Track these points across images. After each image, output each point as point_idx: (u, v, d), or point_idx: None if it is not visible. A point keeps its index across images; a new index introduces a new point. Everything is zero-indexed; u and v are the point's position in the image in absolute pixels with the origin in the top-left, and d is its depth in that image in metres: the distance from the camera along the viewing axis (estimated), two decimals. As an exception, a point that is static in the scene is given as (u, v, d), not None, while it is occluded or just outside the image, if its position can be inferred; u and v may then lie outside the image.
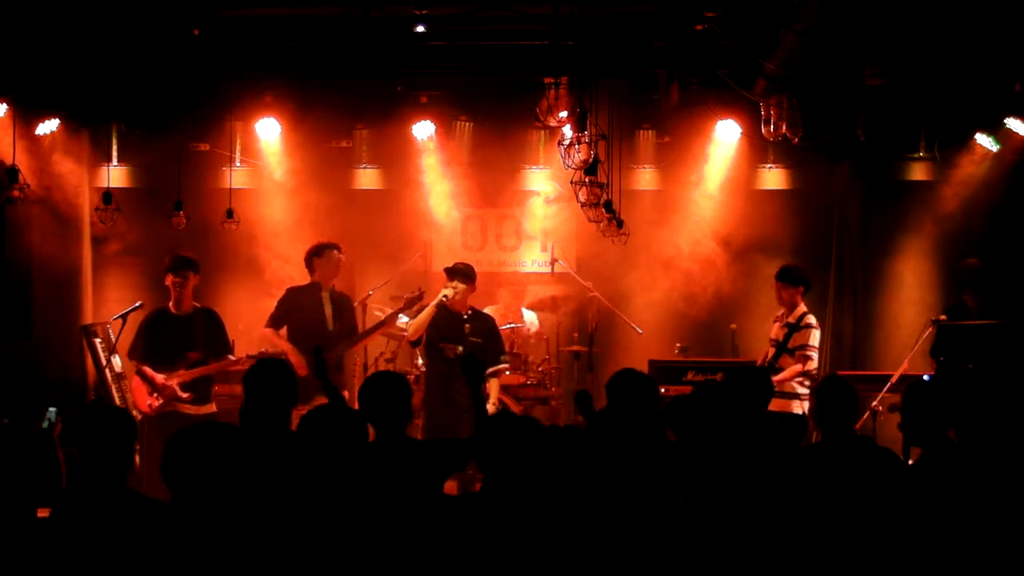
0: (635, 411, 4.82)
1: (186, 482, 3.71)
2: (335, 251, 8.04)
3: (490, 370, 7.53)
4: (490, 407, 7.43)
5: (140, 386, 7.78)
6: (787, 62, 7.31)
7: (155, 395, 7.67)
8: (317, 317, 7.92)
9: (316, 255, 8.00)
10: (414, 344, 7.88)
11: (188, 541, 3.70)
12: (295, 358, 7.63)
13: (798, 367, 7.62)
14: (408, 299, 8.00)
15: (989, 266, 8.19)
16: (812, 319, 7.79)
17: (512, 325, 8.84)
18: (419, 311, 7.89)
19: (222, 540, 3.71)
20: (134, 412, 7.84)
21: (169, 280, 7.80)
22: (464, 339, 7.50)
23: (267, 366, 5.05)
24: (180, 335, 7.72)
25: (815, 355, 7.75)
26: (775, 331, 7.95)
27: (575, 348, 9.15)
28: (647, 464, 4.52)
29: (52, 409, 5.22)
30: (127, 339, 7.98)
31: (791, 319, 7.78)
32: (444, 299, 7.51)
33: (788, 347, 7.72)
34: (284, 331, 7.99)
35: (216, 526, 3.73)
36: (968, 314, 7.91)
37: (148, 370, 7.68)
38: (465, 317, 7.59)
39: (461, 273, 7.62)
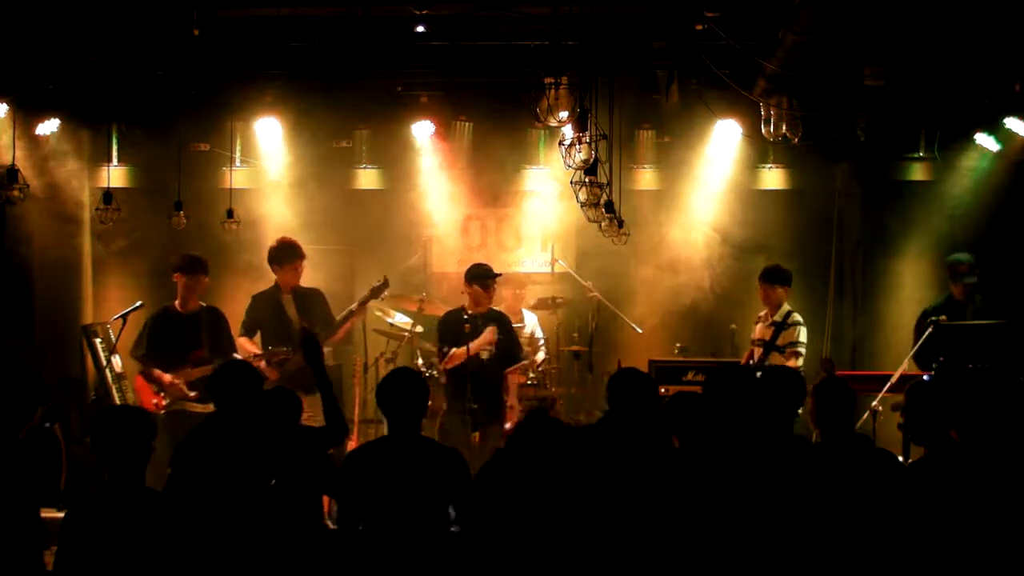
0: (636, 411, 4.82)
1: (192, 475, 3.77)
2: (300, 262, 7.98)
3: (509, 369, 7.78)
4: (512, 401, 7.82)
5: (145, 386, 7.74)
6: (787, 62, 7.30)
7: (161, 395, 7.64)
8: (282, 320, 7.91)
9: (276, 263, 7.95)
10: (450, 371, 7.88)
11: (206, 537, 3.73)
12: (263, 363, 7.63)
13: (790, 364, 7.69)
14: (373, 288, 8.01)
15: (989, 265, 8.19)
16: (798, 316, 7.91)
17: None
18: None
19: (238, 535, 3.74)
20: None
21: (180, 281, 7.75)
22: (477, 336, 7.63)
23: (228, 370, 5.09)
24: (185, 334, 7.69)
25: (804, 351, 7.86)
26: (759, 331, 8.02)
27: (575, 348, 9.14)
28: (649, 464, 4.52)
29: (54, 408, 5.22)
30: (128, 339, 7.97)
31: (777, 317, 7.86)
32: (488, 351, 7.68)
33: (777, 345, 7.80)
34: (258, 337, 8.00)
35: (232, 521, 3.76)
36: (958, 307, 7.90)
37: (157, 372, 7.64)
38: (480, 318, 7.70)
39: (480, 276, 7.80)
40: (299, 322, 7.84)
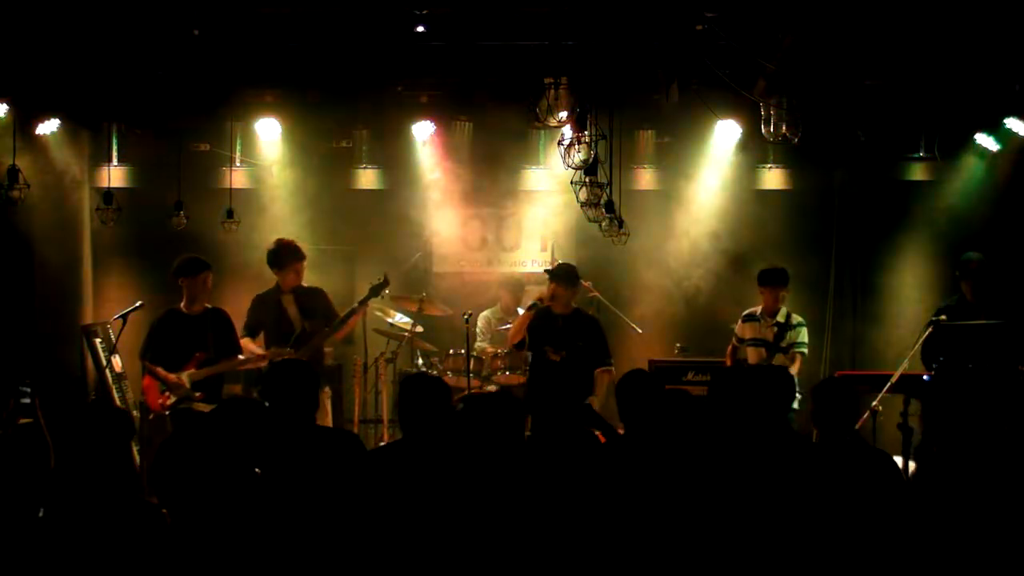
0: (643, 412, 4.83)
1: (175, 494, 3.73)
2: (299, 264, 7.93)
3: (597, 371, 7.61)
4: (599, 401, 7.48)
5: (151, 385, 7.70)
6: (787, 62, 7.31)
7: (167, 394, 7.61)
8: (283, 320, 7.88)
9: (275, 265, 7.92)
10: (518, 347, 7.82)
11: (182, 544, 3.70)
12: (266, 363, 7.58)
13: (797, 365, 7.72)
14: (373, 287, 8.03)
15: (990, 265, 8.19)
16: (800, 317, 8.01)
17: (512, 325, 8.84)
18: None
19: (216, 543, 3.71)
20: (137, 412, 7.84)
21: (184, 284, 7.69)
22: (566, 342, 7.56)
23: (286, 367, 5.07)
24: (191, 335, 7.66)
25: (807, 351, 7.99)
26: (756, 331, 7.99)
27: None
28: (658, 463, 4.52)
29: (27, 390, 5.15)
30: (130, 339, 7.96)
31: (779, 318, 7.90)
32: (539, 303, 7.58)
33: (781, 346, 7.85)
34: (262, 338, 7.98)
35: (210, 529, 3.73)
36: (969, 307, 7.87)
37: (160, 371, 7.61)
38: (562, 319, 7.63)
39: (562, 276, 7.66)
40: (300, 321, 7.84)
